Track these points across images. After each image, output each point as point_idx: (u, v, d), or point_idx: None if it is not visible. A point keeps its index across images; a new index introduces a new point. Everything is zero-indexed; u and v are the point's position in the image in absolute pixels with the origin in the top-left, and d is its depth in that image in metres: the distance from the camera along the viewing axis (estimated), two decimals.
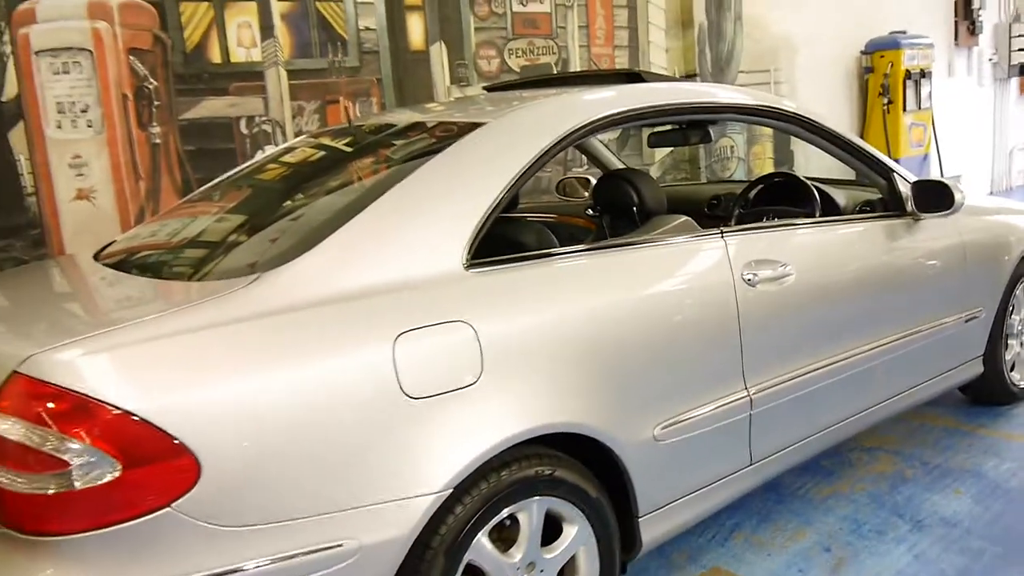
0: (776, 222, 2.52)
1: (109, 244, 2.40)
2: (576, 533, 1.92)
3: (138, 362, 1.46)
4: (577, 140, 2.11)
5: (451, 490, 1.66)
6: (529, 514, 1.83)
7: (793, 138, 6.45)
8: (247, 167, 2.59)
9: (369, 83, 4.49)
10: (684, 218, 2.27)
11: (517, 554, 1.83)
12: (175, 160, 3.92)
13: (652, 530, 2.10)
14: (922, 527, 2.59)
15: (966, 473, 2.92)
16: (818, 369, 2.45)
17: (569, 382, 1.86)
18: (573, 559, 1.95)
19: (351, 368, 1.60)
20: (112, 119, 3.73)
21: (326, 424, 1.55)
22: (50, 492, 1.39)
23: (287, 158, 2.51)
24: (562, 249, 1.99)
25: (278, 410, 1.51)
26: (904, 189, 2.82)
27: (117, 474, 1.38)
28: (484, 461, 1.70)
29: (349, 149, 2.37)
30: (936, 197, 2.73)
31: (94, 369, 1.42)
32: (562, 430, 1.84)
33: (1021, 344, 3.45)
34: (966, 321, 3.04)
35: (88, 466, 1.38)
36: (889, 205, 2.85)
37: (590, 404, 1.89)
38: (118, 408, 1.39)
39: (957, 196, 2.71)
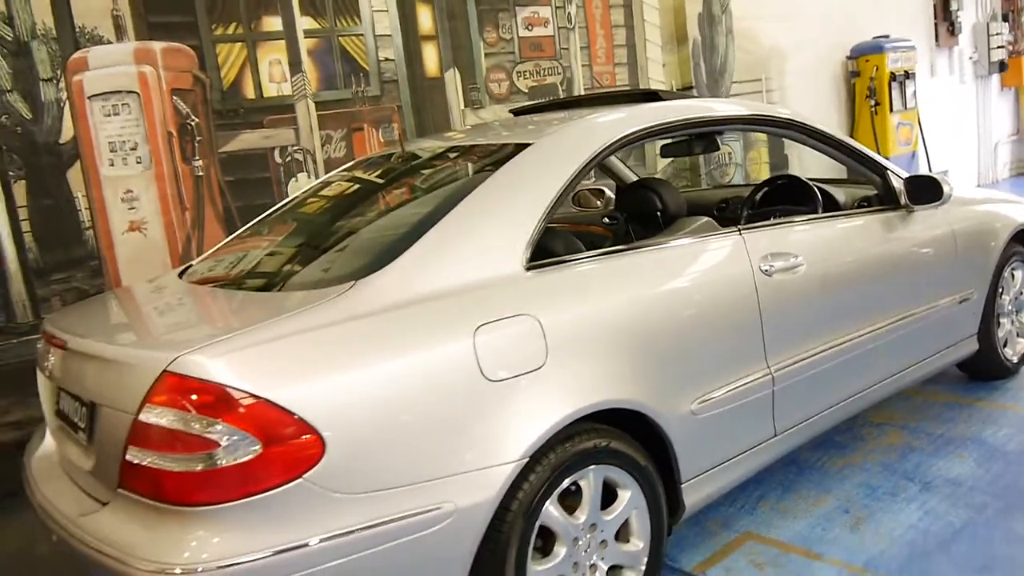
0: (786, 219, 2.81)
1: (188, 267, 2.68)
2: (629, 497, 2.19)
3: (269, 357, 1.74)
4: (610, 154, 2.41)
5: (527, 459, 1.93)
6: (589, 481, 2.10)
7: (787, 142, 6.76)
8: (310, 190, 2.88)
9: (390, 110, 4.79)
10: (706, 219, 2.56)
11: (581, 516, 2.10)
12: (216, 190, 4.21)
13: (693, 495, 2.37)
14: (930, 488, 2.86)
15: (967, 440, 3.20)
16: (831, 349, 2.73)
17: (619, 364, 2.13)
18: (627, 522, 2.22)
19: (440, 356, 1.87)
20: (159, 155, 4.02)
21: (423, 404, 1.83)
22: (199, 469, 1.66)
23: (349, 181, 2.80)
24: (606, 249, 2.28)
25: (384, 394, 1.78)
26: (897, 184, 3.12)
27: (258, 452, 1.66)
28: (552, 434, 1.97)
29: (408, 170, 2.66)
30: (927, 190, 3.02)
31: (234, 364, 1.70)
32: (614, 406, 2.11)
33: (1012, 322, 3.74)
34: (960, 302, 3.33)
35: (234, 446, 1.65)
36: (884, 200, 3.14)
37: (637, 383, 2.17)
38: (257, 397, 1.67)
39: (946, 188, 3.00)
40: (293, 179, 4.42)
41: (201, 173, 4.15)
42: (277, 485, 1.67)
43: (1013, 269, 3.69)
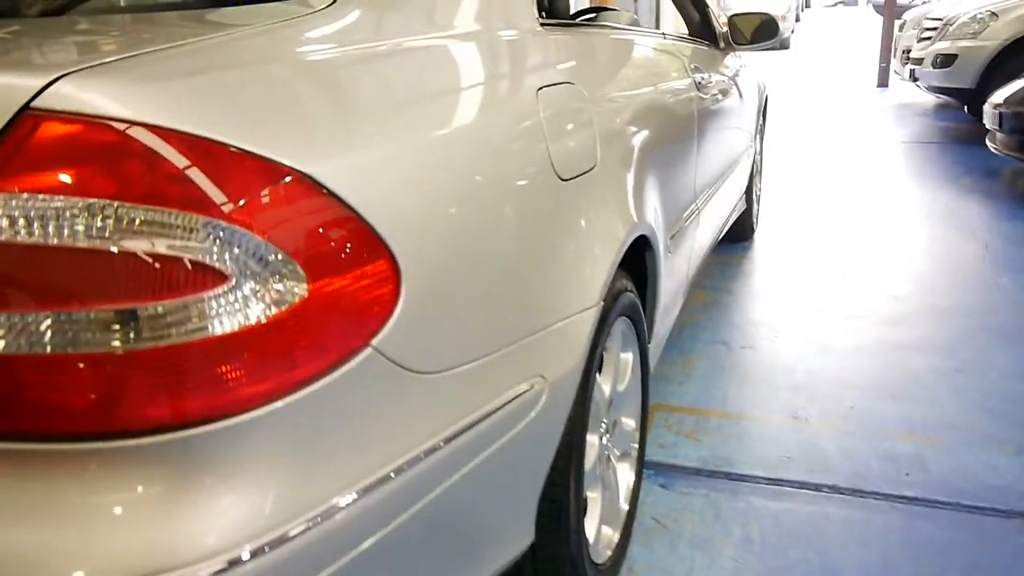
0: (681, 35, 2.40)
1: None
2: (631, 362, 1.63)
3: (264, 99, 0.79)
4: None
5: (602, 303, 1.26)
6: (615, 338, 1.50)
7: None
8: None
9: None
10: (630, 14, 2.02)
11: (606, 388, 1.49)
12: None
13: (653, 354, 1.89)
14: (780, 336, 2.78)
15: (756, 294, 3.21)
16: (718, 180, 2.43)
17: (640, 175, 1.53)
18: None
19: (509, 124, 1.08)
20: None
21: (499, 206, 1.03)
22: (171, 340, 0.70)
23: None
24: (612, 22, 1.63)
25: (448, 184, 0.95)
26: (716, 25, 2.89)
27: (302, 292, 0.75)
28: (616, 268, 1.32)
29: None
30: (764, 30, 2.82)
31: (192, 96, 0.74)
32: (643, 233, 1.51)
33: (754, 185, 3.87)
34: (747, 152, 3.29)
35: (247, 281, 0.72)
36: (704, 37, 2.89)
37: (649, 204, 1.59)
38: (285, 168, 0.75)
39: (781, 26, 2.85)
40: None
41: None
42: (334, 364, 0.78)
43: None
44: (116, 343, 0.69)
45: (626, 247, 1.36)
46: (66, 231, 0.67)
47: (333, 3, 1.00)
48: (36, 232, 0.67)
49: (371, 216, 0.81)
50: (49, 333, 0.68)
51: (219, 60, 0.80)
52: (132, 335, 0.69)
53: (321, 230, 0.76)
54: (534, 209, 1.10)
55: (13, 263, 0.68)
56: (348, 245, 0.78)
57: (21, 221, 0.67)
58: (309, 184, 0.76)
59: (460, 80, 1.05)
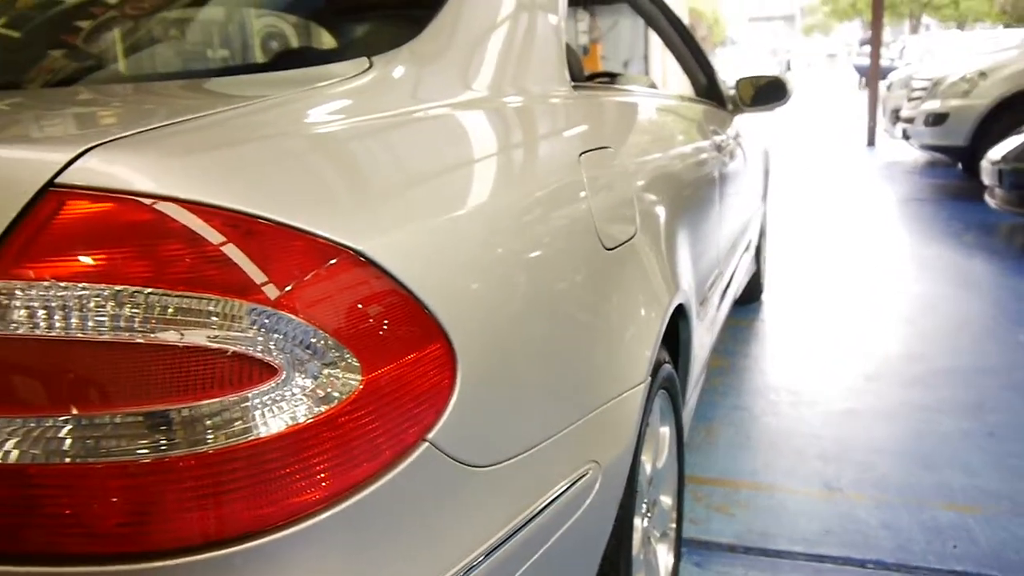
0: (694, 97, 2.36)
1: None
2: (669, 437, 1.54)
3: (305, 169, 0.72)
4: None
5: (650, 378, 1.18)
6: (655, 413, 1.41)
7: None
8: None
9: None
10: (647, 76, 1.99)
11: (648, 467, 1.40)
12: None
13: (686, 429, 1.80)
14: (801, 402, 2.69)
15: (772, 358, 3.13)
16: (733, 246, 2.37)
17: (672, 238, 1.46)
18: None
19: (552, 193, 1.01)
20: None
21: (546, 280, 0.96)
22: (210, 447, 0.61)
23: None
24: (631, 86, 1.58)
25: (491, 255, 0.87)
26: (723, 87, 2.88)
27: (356, 384, 0.66)
28: (660, 339, 1.24)
29: None
30: (774, 90, 2.80)
31: (229, 169, 0.67)
32: (681, 301, 1.44)
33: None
34: (755, 211, 3.25)
35: (295, 372, 0.63)
36: (712, 98, 2.87)
37: (684, 270, 1.52)
38: (333, 245, 0.67)
39: (789, 88, 2.83)
40: None
41: None
42: (381, 468, 0.69)
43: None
44: (145, 451, 0.60)
45: (668, 317, 1.29)
46: (90, 322, 0.59)
47: (370, 67, 0.94)
48: (57, 324, 0.59)
49: (425, 295, 0.73)
50: (69, 440, 0.59)
51: (254, 130, 0.73)
52: (164, 441, 0.60)
53: (376, 313, 0.68)
54: (583, 281, 1.02)
55: (30, 359, 0.59)
56: (404, 329, 0.70)
57: (40, 312, 0.59)
58: (361, 262, 0.68)
59: (503, 147, 0.99)
